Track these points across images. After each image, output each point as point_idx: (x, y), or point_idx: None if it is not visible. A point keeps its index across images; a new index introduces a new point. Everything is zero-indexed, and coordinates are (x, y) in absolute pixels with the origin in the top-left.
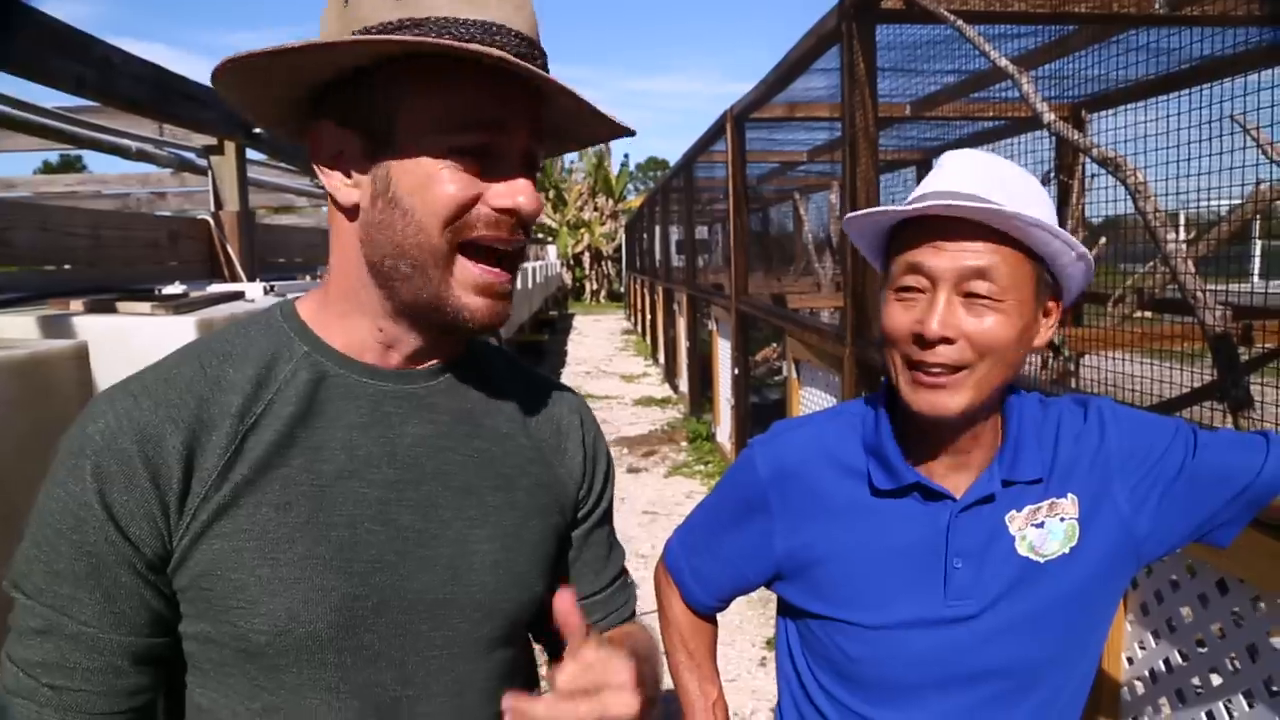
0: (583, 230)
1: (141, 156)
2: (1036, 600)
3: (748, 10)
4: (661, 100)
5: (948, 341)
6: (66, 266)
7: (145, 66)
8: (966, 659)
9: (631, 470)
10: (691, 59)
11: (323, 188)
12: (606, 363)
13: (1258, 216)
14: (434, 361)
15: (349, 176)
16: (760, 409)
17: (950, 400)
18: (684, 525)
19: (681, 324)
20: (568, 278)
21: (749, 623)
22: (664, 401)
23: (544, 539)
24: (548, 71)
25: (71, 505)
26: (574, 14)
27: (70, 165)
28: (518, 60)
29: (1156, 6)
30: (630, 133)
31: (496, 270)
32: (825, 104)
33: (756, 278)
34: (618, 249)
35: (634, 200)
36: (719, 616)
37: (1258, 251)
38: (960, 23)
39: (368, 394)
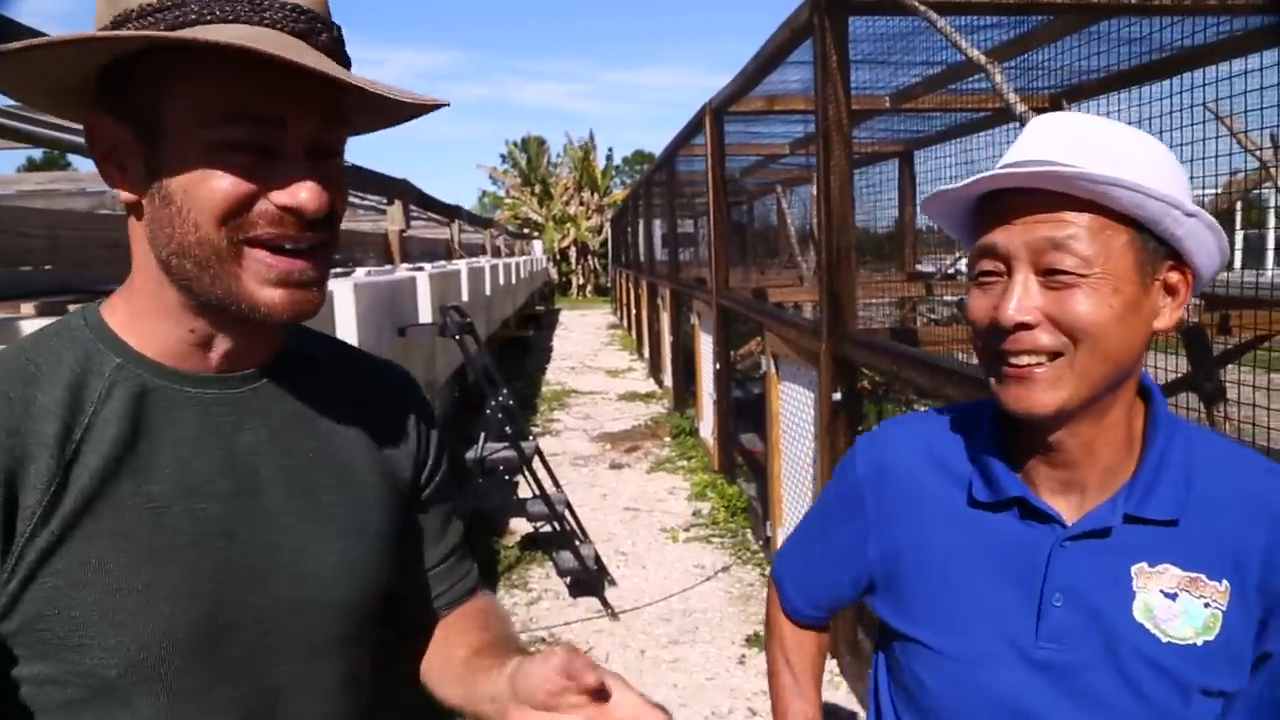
0: (568, 225)
1: None
2: (1141, 679)
3: (732, 2)
4: (648, 93)
5: (1027, 327)
6: (38, 267)
7: None
8: (1052, 715)
9: (614, 466)
10: (678, 51)
11: None
12: (591, 358)
13: (1237, 206)
14: (256, 361)
15: (125, 172)
16: (743, 404)
17: (1042, 395)
18: (794, 530)
19: (665, 319)
20: (554, 272)
21: (730, 620)
22: (648, 396)
23: (387, 529)
24: (339, 47)
25: None
26: (559, 6)
27: (54, 162)
28: (270, 52)
29: None
30: (440, 105)
31: (291, 259)
32: (802, 97)
33: (740, 272)
34: (604, 243)
35: (620, 194)
36: (705, 615)
37: (1240, 243)
38: (931, 14)
39: (192, 404)
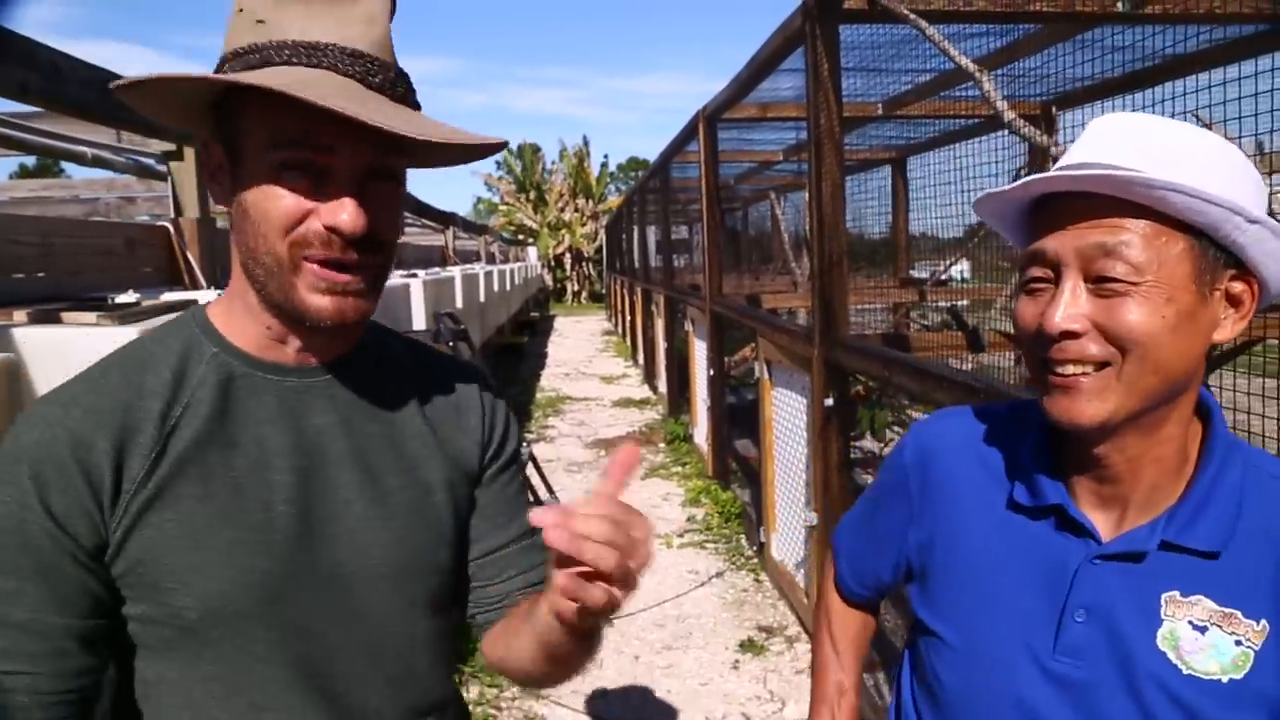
0: (563, 231)
1: (98, 163)
2: (1156, 708)
3: (731, 9)
4: (645, 100)
5: (1073, 335)
6: (28, 275)
7: (95, 72)
8: None
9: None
10: (674, 58)
11: None
12: (586, 364)
13: None
14: (332, 354)
15: (221, 189)
16: (737, 410)
17: (1087, 406)
18: (857, 500)
19: (659, 325)
20: (548, 279)
21: (724, 625)
22: (643, 403)
23: (448, 512)
24: (398, 87)
25: (12, 508)
26: (557, 14)
27: (47, 169)
28: (290, 93)
29: (1119, 4)
30: (497, 148)
31: (337, 272)
32: (795, 104)
33: (734, 278)
34: (599, 250)
35: (614, 200)
36: (699, 621)
37: None
38: (920, 22)
39: (272, 389)
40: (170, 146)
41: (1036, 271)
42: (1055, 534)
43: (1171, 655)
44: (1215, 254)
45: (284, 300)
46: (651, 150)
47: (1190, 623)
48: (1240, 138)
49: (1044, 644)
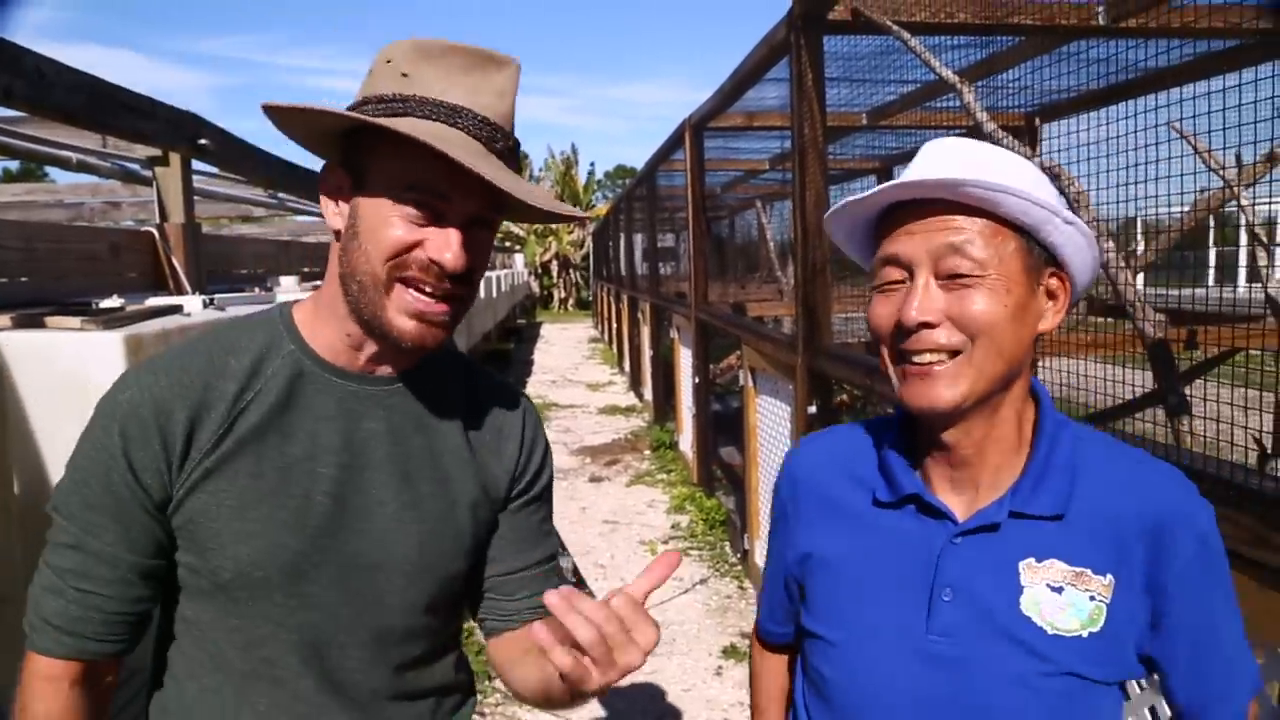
0: (550, 238)
1: (83, 168)
2: (1030, 671)
3: (719, 18)
4: (634, 108)
5: (929, 326)
6: (19, 279)
7: (81, 77)
8: (945, 707)
9: (594, 480)
10: (661, 67)
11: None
12: (573, 371)
13: (1210, 223)
14: (393, 367)
15: (337, 206)
16: (722, 417)
17: (944, 390)
18: None
19: (646, 333)
20: (535, 286)
21: (706, 632)
22: (628, 410)
23: (471, 526)
24: (513, 154)
25: (102, 455)
26: (544, 22)
27: (31, 173)
28: (445, 150)
29: (1098, 18)
30: (579, 218)
31: (429, 300)
32: (780, 113)
33: (719, 286)
34: (586, 257)
35: (602, 208)
36: (683, 628)
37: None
38: (903, 33)
39: (335, 391)
40: (155, 152)
41: (891, 274)
42: (917, 522)
43: (1035, 618)
44: (1038, 251)
45: (372, 316)
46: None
47: (1048, 585)
48: (1219, 149)
49: (918, 626)
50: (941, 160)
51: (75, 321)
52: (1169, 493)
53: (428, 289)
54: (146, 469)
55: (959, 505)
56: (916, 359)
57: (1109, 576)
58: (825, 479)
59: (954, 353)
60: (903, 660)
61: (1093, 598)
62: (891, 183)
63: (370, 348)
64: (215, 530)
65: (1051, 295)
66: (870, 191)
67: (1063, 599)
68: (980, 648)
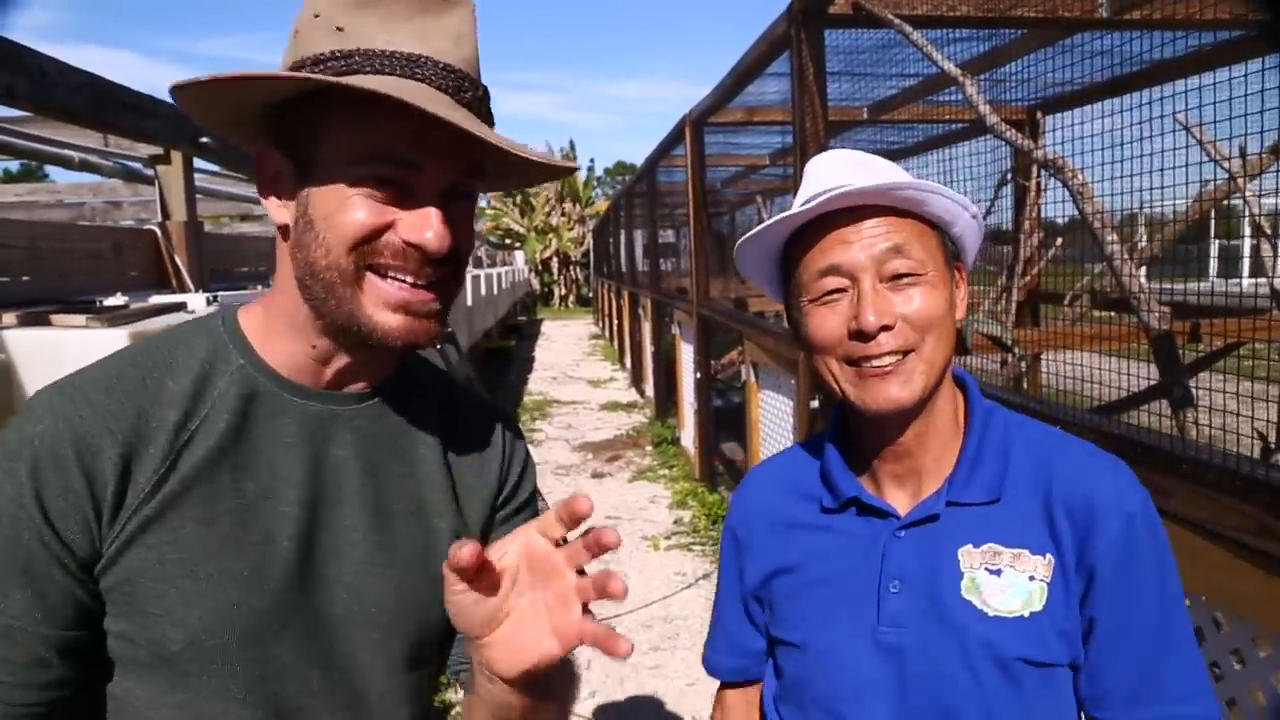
0: (550, 235)
1: (85, 167)
2: (975, 654)
3: (717, 14)
4: (631, 105)
5: (887, 329)
6: (20, 278)
7: (83, 76)
8: (902, 695)
9: (596, 475)
10: (661, 63)
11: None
12: (574, 368)
13: (1213, 216)
14: (364, 382)
15: (281, 199)
16: (724, 413)
17: (904, 389)
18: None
19: (647, 328)
20: (535, 283)
21: None
22: (630, 406)
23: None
24: (484, 105)
25: (8, 504)
26: (544, 19)
27: (31, 174)
28: (415, 103)
29: (1101, 10)
30: (572, 169)
31: (412, 289)
32: (781, 108)
33: (720, 281)
34: (585, 254)
35: (601, 205)
36: (686, 622)
37: (1214, 252)
38: (904, 26)
39: (296, 413)
40: (158, 151)
41: (831, 283)
42: (863, 521)
43: (976, 602)
44: (950, 245)
45: (347, 319)
46: (638, 154)
47: (987, 569)
48: (1222, 140)
49: (869, 620)
50: (840, 171)
51: (80, 319)
52: (1100, 475)
53: (409, 277)
54: (67, 519)
55: (903, 500)
56: (876, 362)
57: (1048, 556)
58: (775, 502)
59: (906, 351)
60: (860, 652)
61: (1032, 578)
62: (824, 194)
63: (340, 360)
64: (159, 592)
65: (957, 286)
66: (792, 211)
67: (1002, 581)
68: (926, 635)
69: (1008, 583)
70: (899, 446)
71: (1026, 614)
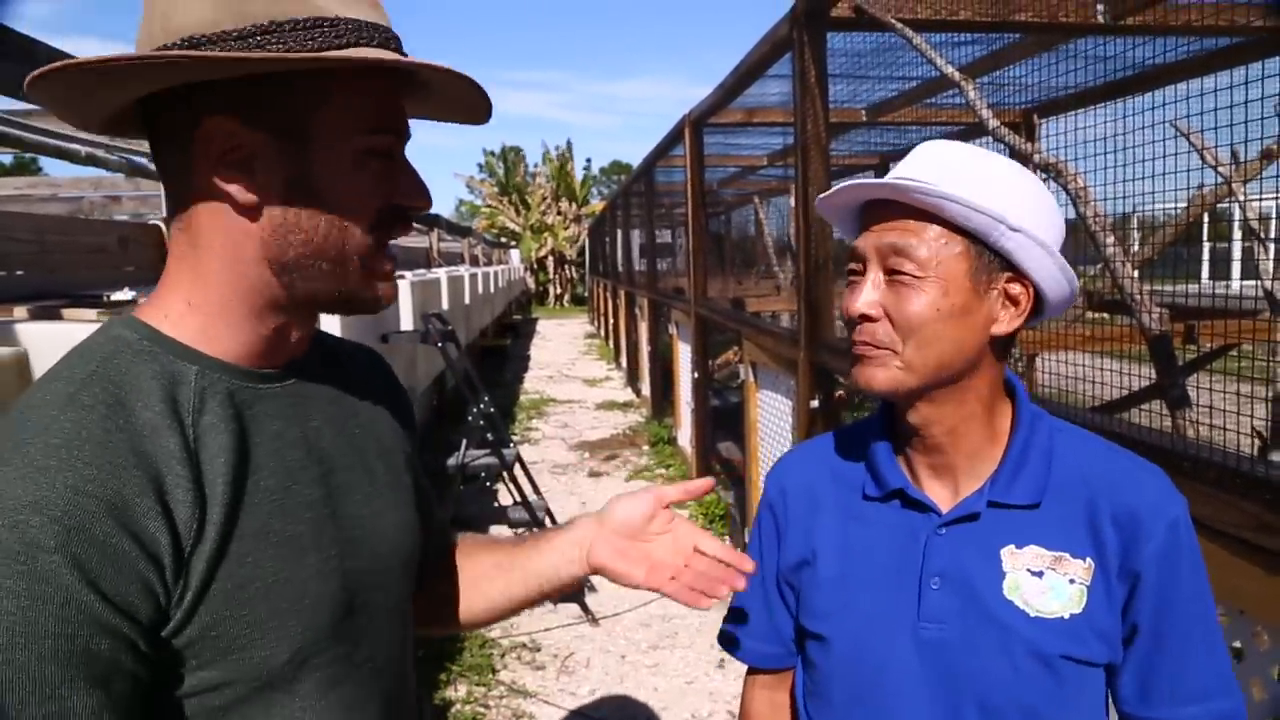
0: (546, 234)
1: (91, 161)
2: (1016, 652)
3: (714, 14)
4: (627, 104)
5: (870, 319)
6: (19, 272)
7: None
8: (939, 690)
9: (593, 474)
10: (657, 63)
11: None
12: (569, 367)
13: (1205, 219)
14: (298, 355)
15: (251, 176)
16: (721, 412)
17: (877, 373)
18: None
19: (643, 328)
20: (531, 282)
21: (709, 625)
22: (626, 405)
23: (415, 490)
24: None
25: (46, 610)
26: (538, 18)
27: (25, 167)
28: (453, 69)
29: (1099, 16)
30: (483, 115)
31: (389, 259)
32: (781, 109)
33: (718, 281)
34: (581, 253)
35: (597, 204)
36: (684, 621)
37: (1206, 255)
38: (907, 30)
39: (267, 399)
40: None
41: (853, 265)
42: (904, 515)
43: (1018, 601)
44: (990, 257)
45: (348, 291)
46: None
47: (1028, 570)
48: (1214, 144)
49: (909, 615)
50: (919, 163)
51: (91, 314)
52: (1144, 483)
53: (392, 244)
54: (131, 594)
55: (942, 497)
56: (859, 346)
57: (1088, 560)
58: (813, 485)
59: (883, 347)
60: (897, 647)
61: (1072, 581)
62: (847, 182)
63: (294, 335)
64: (250, 619)
65: (1012, 300)
66: (830, 191)
67: (1043, 583)
68: (968, 632)
69: (1049, 584)
70: (928, 439)
71: (1066, 615)
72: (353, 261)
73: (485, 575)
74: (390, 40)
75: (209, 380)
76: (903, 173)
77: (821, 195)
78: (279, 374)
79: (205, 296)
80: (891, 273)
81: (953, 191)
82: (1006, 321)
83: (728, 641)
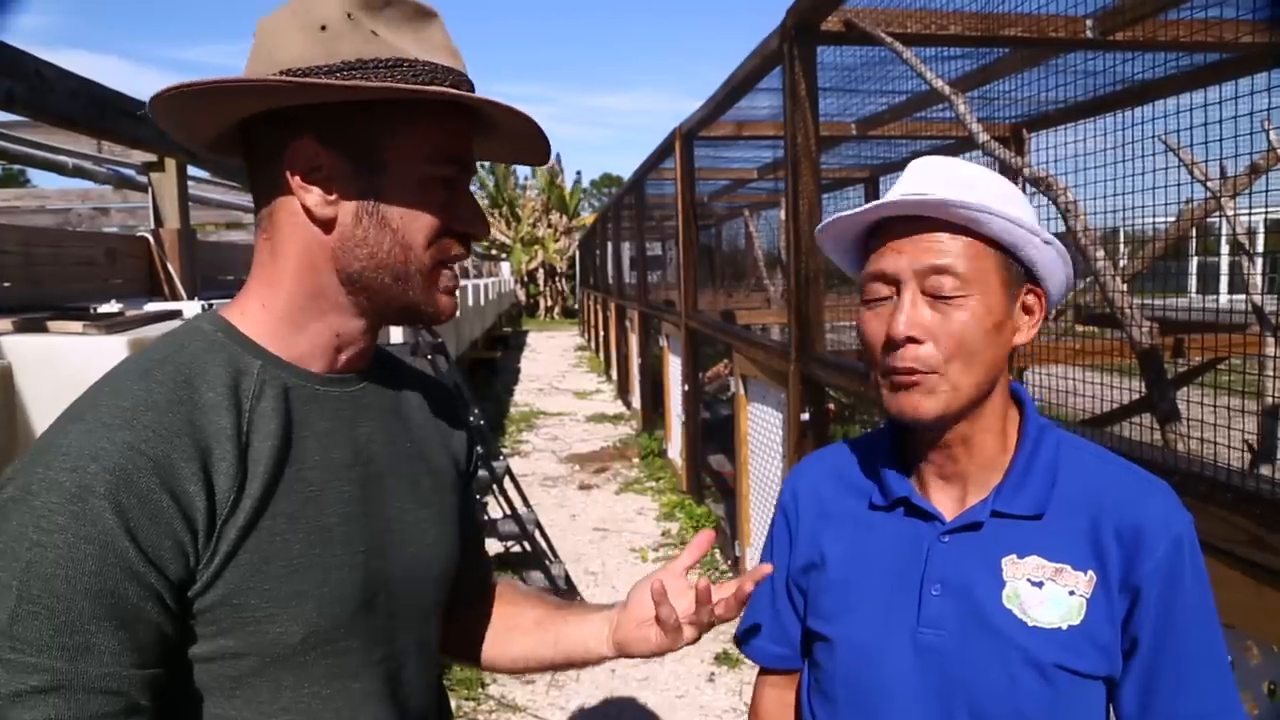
0: (536, 247)
1: (78, 173)
2: (1012, 660)
3: (704, 28)
4: (617, 117)
5: (916, 342)
6: (5, 284)
7: (80, 82)
8: (937, 695)
9: (583, 487)
10: (647, 76)
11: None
12: (560, 379)
13: (1193, 233)
14: (363, 365)
15: (330, 193)
16: (712, 425)
17: (925, 400)
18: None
19: (633, 340)
20: (521, 294)
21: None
22: (616, 418)
23: (458, 511)
24: None
25: (88, 550)
26: (529, 31)
27: (12, 178)
28: (518, 107)
29: (1088, 31)
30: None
31: (454, 275)
32: (771, 123)
33: (708, 294)
34: (572, 265)
35: (588, 217)
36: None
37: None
38: (897, 45)
39: (323, 400)
40: (151, 157)
41: (879, 290)
42: (909, 523)
43: (1016, 611)
44: (1017, 268)
45: (410, 303)
46: (624, 167)
47: (1028, 580)
48: (1206, 161)
49: (909, 620)
50: (928, 177)
51: (77, 326)
52: (1149, 498)
53: (455, 264)
54: (163, 548)
55: (948, 505)
56: (903, 372)
57: (1089, 573)
58: (825, 491)
59: (930, 372)
60: (897, 651)
61: (1072, 593)
62: (880, 201)
63: (358, 344)
64: (269, 595)
65: (1027, 310)
66: (861, 209)
67: (1042, 593)
68: (964, 638)
69: (1048, 595)
70: (945, 448)
71: (1064, 627)
72: (415, 277)
73: (522, 628)
74: (463, 83)
75: (270, 374)
76: (913, 188)
77: (842, 214)
78: (338, 379)
79: (276, 300)
80: (933, 293)
81: (993, 205)
82: (1025, 331)
83: (740, 639)
